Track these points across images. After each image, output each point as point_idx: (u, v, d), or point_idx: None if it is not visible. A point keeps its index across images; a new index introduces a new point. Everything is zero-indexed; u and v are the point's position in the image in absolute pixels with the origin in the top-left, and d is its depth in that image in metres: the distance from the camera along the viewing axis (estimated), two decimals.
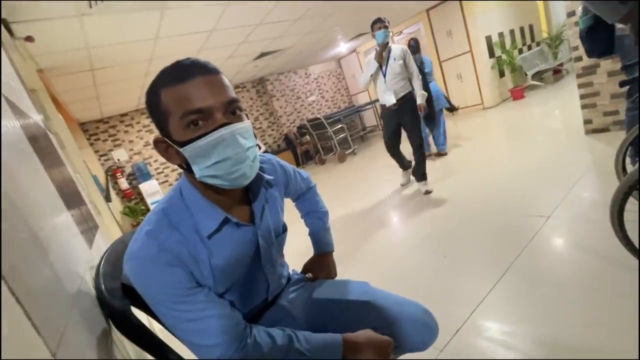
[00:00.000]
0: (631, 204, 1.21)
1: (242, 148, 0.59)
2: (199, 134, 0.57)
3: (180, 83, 0.56)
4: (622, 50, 1.71)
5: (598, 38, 1.73)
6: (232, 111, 0.60)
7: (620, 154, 1.57)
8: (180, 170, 0.73)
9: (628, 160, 1.62)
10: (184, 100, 0.56)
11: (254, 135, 0.65)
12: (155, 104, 0.59)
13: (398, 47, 2.78)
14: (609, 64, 2.66)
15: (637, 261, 1.21)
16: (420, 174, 2.97)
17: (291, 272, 0.93)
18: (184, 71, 0.57)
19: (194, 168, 0.60)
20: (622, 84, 1.11)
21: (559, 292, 1.34)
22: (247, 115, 0.66)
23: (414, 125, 2.87)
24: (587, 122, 2.95)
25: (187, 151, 0.58)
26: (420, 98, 2.81)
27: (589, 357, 1.04)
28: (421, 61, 3.46)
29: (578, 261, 1.49)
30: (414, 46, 3.49)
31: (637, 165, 1.12)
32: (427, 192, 2.94)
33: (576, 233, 1.70)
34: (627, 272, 1.29)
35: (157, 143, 0.62)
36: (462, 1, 5.65)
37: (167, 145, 0.61)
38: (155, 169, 6.31)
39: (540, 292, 1.38)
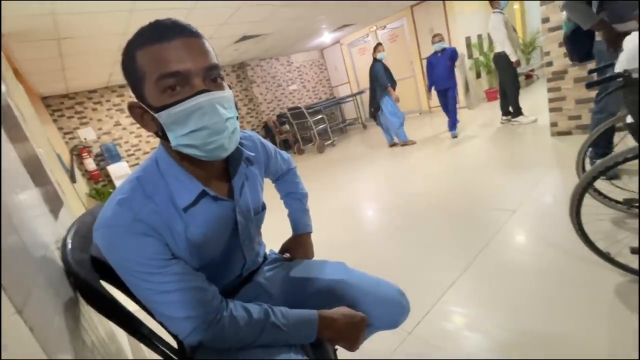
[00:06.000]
0: (588, 199, 1.30)
1: (220, 118, 0.57)
2: (175, 99, 0.54)
3: (157, 43, 0.53)
4: (598, 54, 1.84)
5: (579, 42, 1.86)
6: (212, 78, 0.58)
7: (581, 154, 1.68)
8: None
9: (587, 161, 1.74)
10: (160, 62, 0.53)
11: (235, 107, 0.62)
12: (130, 65, 0.56)
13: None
14: (576, 70, 2.82)
15: (589, 252, 1.31)
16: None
17: (268, 252, 0.93)
18: (163, 31, 0.53)
19: (169, 136, 0.57)
20: (588, 85, 1.20)
21: (522, 280, 1.43)
22: (230, 86, 0.64)
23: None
24: (553, 124, 3.12)
25: (162, 117, 0.55)
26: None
27: (550, 338, 1.12)
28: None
29: (540, 252, 1.59)
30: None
31: (594, 164, 1.22)
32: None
33: (539, 226, 1.81)
34: (582, 263, 1.40)
35: (132, 108, 0.59)
36: (445, 0, 5.75)
37: (143, 111, 0.58)
38: (126, 151, 6.01)
39: (505, 280, 1.46)
